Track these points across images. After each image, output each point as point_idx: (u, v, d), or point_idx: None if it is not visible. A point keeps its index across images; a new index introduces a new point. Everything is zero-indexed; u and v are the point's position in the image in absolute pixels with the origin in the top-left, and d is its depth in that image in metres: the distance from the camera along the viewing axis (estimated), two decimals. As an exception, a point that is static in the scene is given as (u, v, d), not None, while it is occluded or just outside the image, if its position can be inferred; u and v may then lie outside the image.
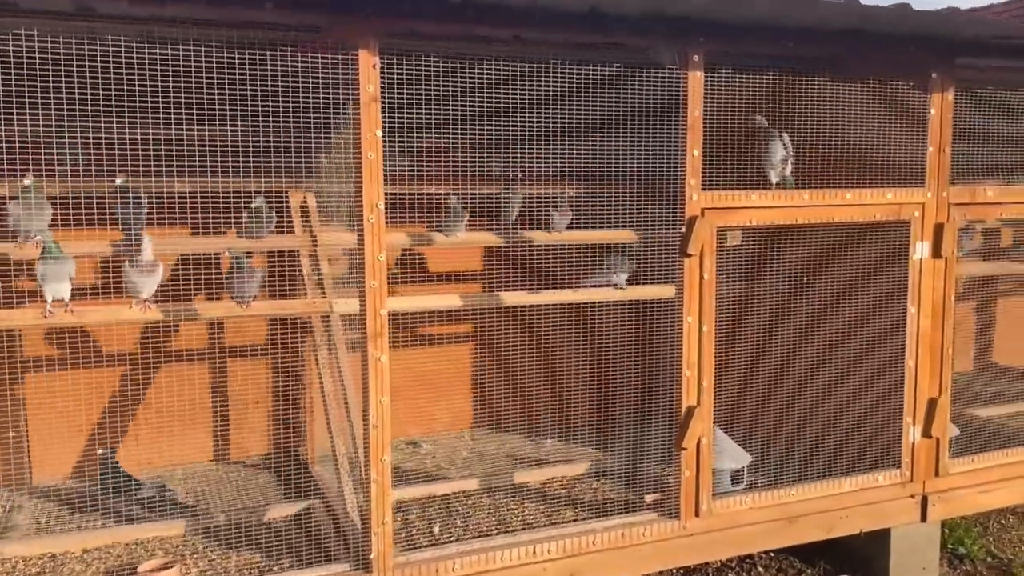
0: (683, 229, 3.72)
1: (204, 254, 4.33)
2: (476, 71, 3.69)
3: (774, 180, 4.00)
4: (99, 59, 3.22)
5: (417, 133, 4.53)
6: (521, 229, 4.61)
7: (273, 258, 4.64)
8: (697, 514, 3.88)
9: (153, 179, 4.11)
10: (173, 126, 3.92)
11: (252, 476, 4.69)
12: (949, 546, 4.70)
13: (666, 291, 3.83)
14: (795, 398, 4.32)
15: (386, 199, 4.42)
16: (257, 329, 4.93)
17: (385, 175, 4.60)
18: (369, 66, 3.11)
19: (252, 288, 3.81)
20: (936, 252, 4.21)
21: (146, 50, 3.22)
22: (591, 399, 5.52)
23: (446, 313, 5.28)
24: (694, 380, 3.81)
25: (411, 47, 3.70)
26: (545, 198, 4.47)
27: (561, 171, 4.54)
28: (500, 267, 4.80)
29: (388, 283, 3.22)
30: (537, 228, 4.60)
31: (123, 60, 3.18)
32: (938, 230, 4.20)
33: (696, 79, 3.65)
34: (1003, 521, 5.13)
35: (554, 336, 5.27)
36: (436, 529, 3.91)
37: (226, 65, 3.29)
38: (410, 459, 5.00)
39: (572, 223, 4.55)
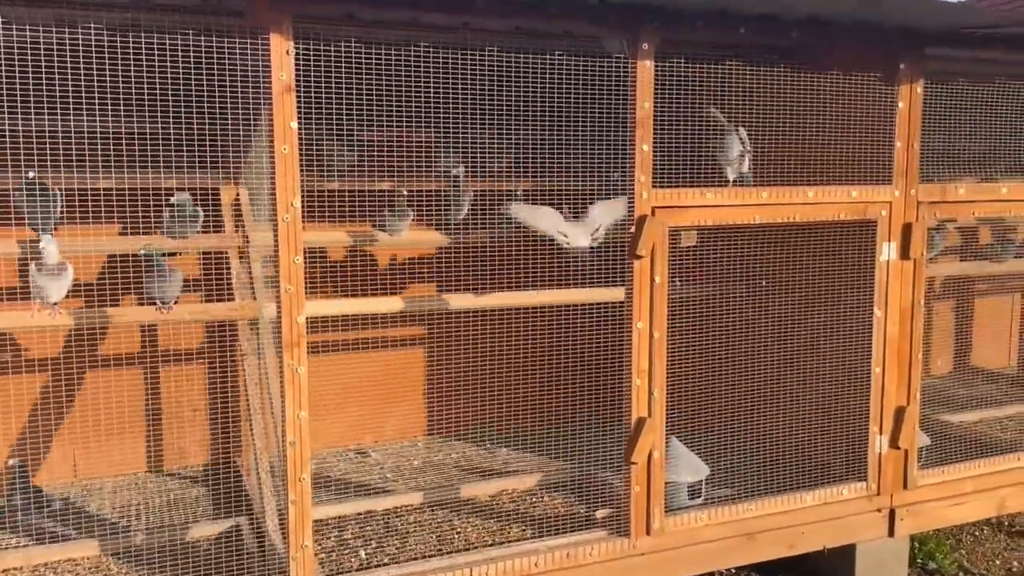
0: (632, 229, 3.49)
1: (134, 254, 4.08)
2: (420, 59, 3.46)
3: (731, 177, 3.76)
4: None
5: (360, 125, 4.29)
6: (473, 228, 4.38)
7: (209, 259, 4.39)
8: (648, 532, 3.64)
9: (76, 174, 3.84)
10: (98, 118, 3.66)
11: (186, 488, 4.43)
12: (919, 561, 4.49)
13: (616, 294, 3.59)
14: (757, 407, 4.10)
15: (328, 196, 4.26)
16: (193, 332, 4.67)
17: (329, 170, 4.44)
18: (282, 52, 2.86)
19: (171, 290, 3.56)
20: (904, 253, 3.99)
21: (63, 35, 2.97)
22: (548, 406, 5.29)
23: (398, 316, 5.04)
24: (644, 389, 3.58)
25: (351, 34, 3.45)
26: (493, 194, 4.23)
27: (511, 167, 4.28)
28: (455, 267, 4.57)
29: (312, 285, 2.99)
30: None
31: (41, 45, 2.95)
32: (906, 230, 3.98)
33: (645, 69, 3.41)
34: (976, 533, 4.91)
35: (511, 339, 5.03)
36: (363, 553, 3.65)
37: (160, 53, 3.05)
38: (357, 469, 4.76)
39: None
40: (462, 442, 5.17)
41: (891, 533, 4.14)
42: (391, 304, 4.03)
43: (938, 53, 3.97)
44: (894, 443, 4.08)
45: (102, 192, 3.97)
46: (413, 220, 4.29)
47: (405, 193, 4.10)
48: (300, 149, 2.93)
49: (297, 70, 2.91)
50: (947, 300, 6.89)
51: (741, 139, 3.69)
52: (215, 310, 3.85)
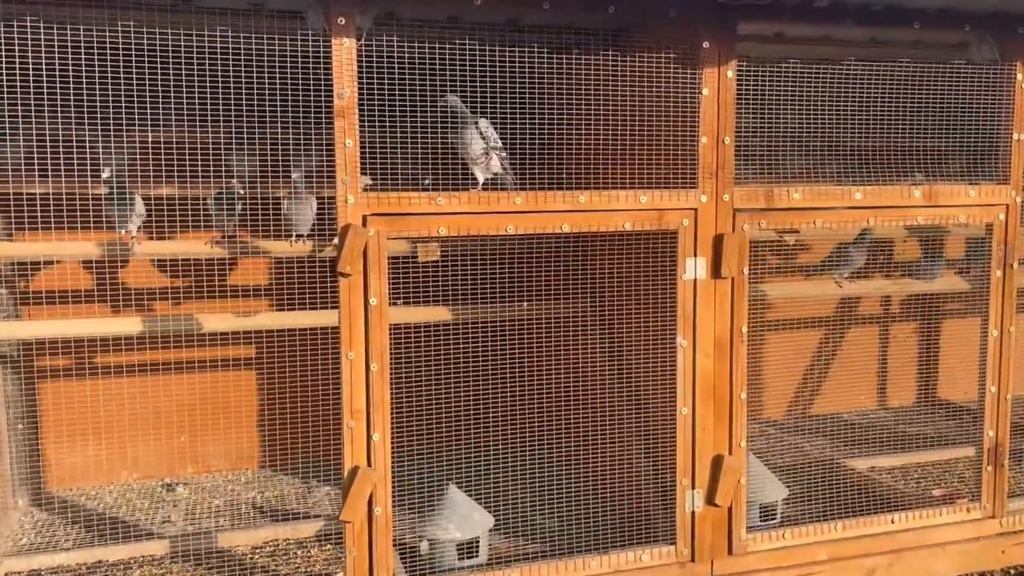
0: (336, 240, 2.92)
1: None
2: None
3: (481, 178, 3.15)
4: None
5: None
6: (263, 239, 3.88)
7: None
8: (372, 603, 3.06)
9: None
10: None
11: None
12: (769, 638, 3.75)
13: (327, 318, 3.03)
14: (543, 451, 3.47)
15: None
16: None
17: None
18: None
19: None
20: (716, 271, 3.30)
21: None
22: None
23: (219, 335, 4.55)
24: (361, 433, 3.00)
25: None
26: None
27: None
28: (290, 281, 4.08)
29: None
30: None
31: None
32: (718, 243, 3.29)
33: (344, 48, 2.84)
34: (866, 603, 4.13)
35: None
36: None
37: None
38: (153, 507, 4.28)
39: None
40: (291, 476, 4.66)
41: (711, 608, 3.45)
42: (122, 325, 3.54)
43: (757, 30, 3.30)
44: (712, 499, 3.39)
45: None
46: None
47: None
48: None
49: None
50: (909, 323, 6.11)
51: (481, 132, 3.07)
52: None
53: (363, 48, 2.86)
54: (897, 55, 3.75)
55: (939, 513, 3.76)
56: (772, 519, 3.77)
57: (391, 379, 3.01)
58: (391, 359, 3.00)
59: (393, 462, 3.04)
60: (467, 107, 3.07)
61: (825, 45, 3.74)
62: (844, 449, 4.92)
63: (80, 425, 4.44)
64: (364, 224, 2.92)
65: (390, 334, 3.00)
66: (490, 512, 3.48)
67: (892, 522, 3.68)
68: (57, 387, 4.47)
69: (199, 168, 3.56)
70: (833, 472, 4.33)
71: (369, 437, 3.00)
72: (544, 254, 3.38)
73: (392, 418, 3.04)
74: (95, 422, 4.44)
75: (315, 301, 3.72)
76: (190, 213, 3.84)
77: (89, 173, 3.56)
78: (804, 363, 5.70)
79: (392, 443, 3.05)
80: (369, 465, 3.00)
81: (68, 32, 2.95)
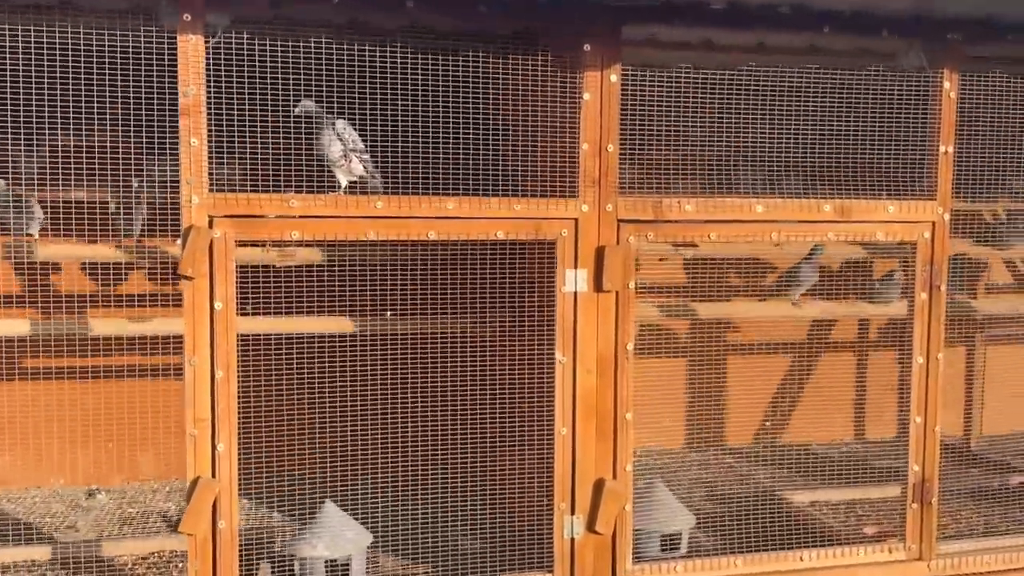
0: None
1: None
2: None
3: (343, 181, 3.04)
4: None
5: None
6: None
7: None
8: (214, 622, 2.94)
9: None
10: None
11: None
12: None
13: (174, 324, 2.95)
14: (418, 470, 3.33)
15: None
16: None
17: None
18: None
19: None
20: (598, 285, 3.13)
21: None
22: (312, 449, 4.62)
23: (150, 339, 4.49)
24: (206, 441, 2.90)
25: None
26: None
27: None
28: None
29: None
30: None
31: None
32: (600, 255, 3.13)
33: (190, 45, 2.78)
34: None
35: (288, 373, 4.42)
36: None
37: None
38: (65, 512, 4.25)
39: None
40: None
41: (592, 642, 3.25)
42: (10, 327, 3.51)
43: (648, 33, 3.15)
44: (593, 526, 3.20)
45: None
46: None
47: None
48: None
49: None
50: (888, 350, 5.80)
51: (339, 134, 2.96)
52: None
53: (211, 48, 2.79)
54: (833, 63, 3.54)
55: (857, 552, 3.51)
56: (676, 549, 3.57)
57: (240, 389, 2.91)
58: (240, 368, 2.91)
59: (242, 474, 2.94)
60: (323, 109, 2.97)
61: (760, 53, 3.56)
62: (793, 481, 4.67)
63: (9, 428, 4.45)
64: (211, 226, 2.84)
65: (239, 343, 2.91)
66: (374, 532, 3.36)
67: (801, 559, 3.44)
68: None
69: (97, 172, 3.53)
70: (765, 504, 4.09)
71: (214, 447, 2.90)
72: (419, 263, 3.25)
73: (244, 429, 2.94)
74: (23, 425, 4.44)
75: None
76: (98, 217, 3.82)
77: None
78: (768, 389, 5.45)
79: (246, 455, 2.96)
80: (214, 476, 2.90)
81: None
